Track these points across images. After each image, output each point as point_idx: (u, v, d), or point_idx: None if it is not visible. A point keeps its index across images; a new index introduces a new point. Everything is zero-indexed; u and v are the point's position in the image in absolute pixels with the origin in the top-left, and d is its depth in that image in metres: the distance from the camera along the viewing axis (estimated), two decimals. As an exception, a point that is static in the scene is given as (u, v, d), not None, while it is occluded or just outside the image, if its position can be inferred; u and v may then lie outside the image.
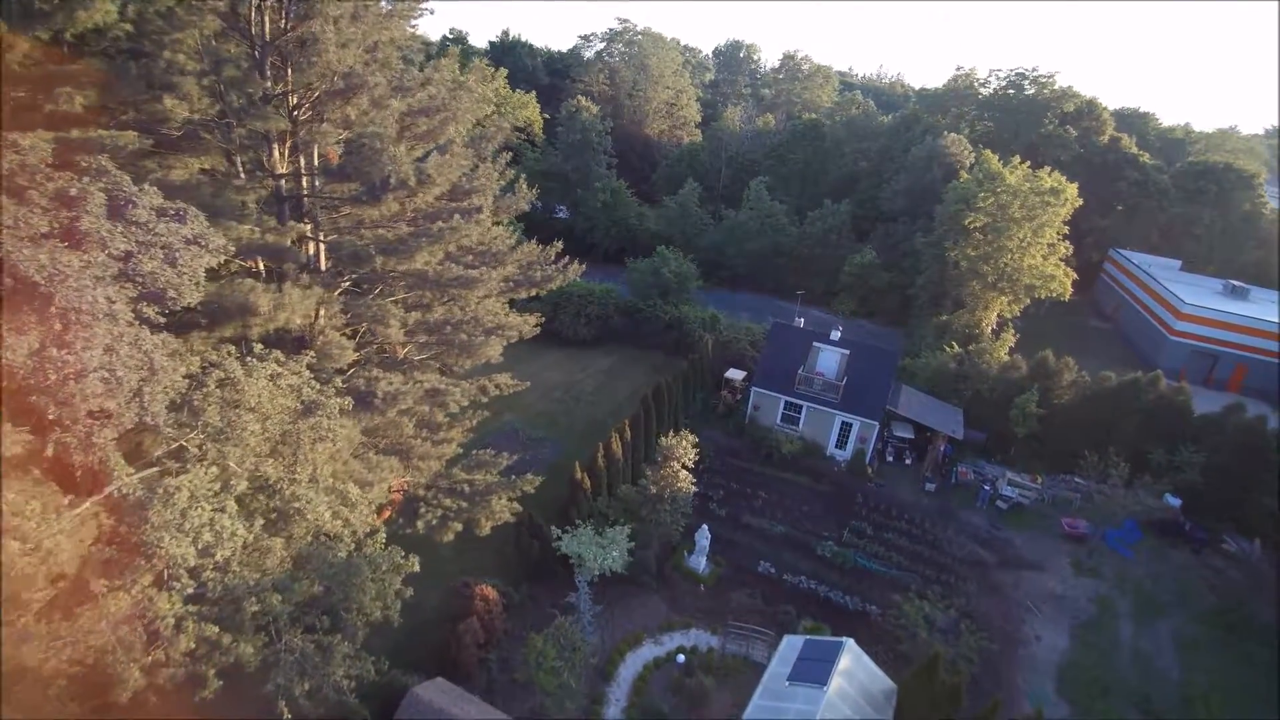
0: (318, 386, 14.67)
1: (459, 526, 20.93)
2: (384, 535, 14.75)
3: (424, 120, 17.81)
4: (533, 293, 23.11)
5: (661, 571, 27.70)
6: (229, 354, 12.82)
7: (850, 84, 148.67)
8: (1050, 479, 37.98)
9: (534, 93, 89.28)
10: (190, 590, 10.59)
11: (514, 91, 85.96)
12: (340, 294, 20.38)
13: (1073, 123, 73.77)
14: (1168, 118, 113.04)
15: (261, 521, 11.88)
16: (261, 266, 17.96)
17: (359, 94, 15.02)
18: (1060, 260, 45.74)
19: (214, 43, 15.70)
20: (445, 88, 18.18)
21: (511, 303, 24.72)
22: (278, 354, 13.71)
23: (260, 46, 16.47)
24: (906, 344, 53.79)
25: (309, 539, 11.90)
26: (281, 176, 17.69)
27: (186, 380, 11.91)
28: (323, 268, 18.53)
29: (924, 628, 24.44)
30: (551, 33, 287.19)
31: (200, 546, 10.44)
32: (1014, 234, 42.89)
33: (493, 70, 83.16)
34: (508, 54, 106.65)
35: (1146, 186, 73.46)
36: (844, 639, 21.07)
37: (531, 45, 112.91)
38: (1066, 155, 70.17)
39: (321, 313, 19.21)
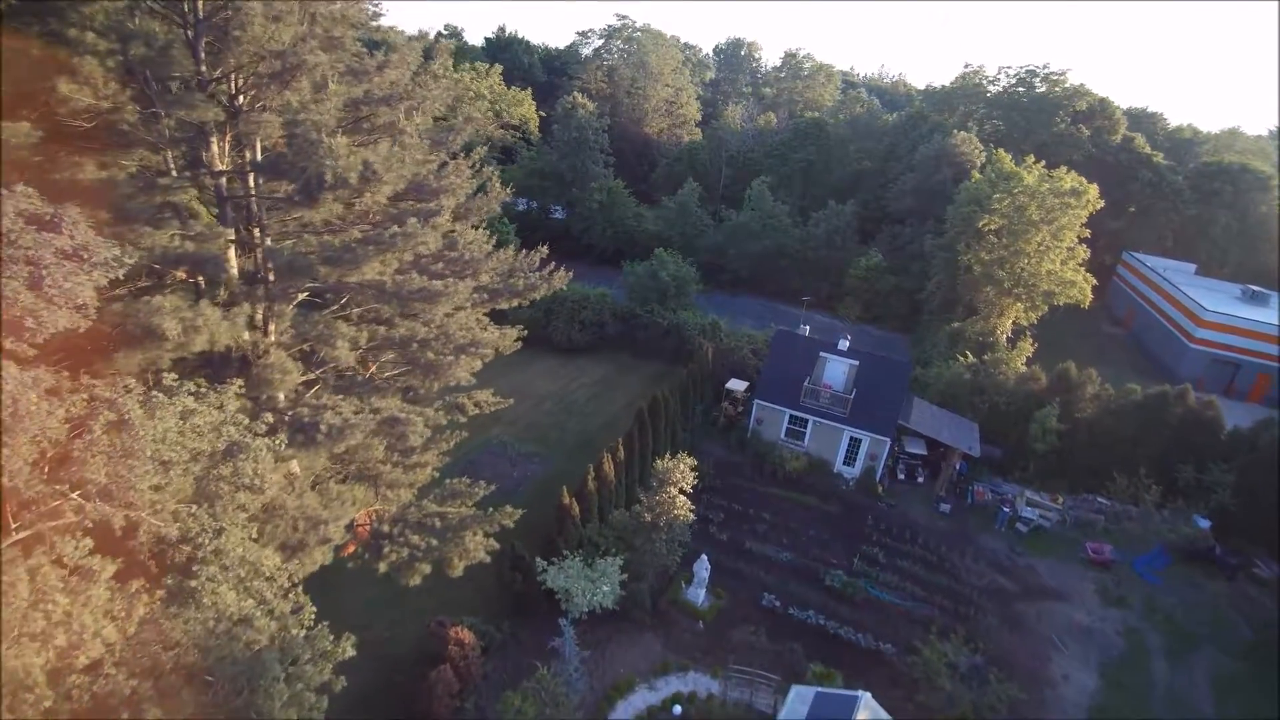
0: (245, 422, 12.38)
1: (427, 568, 18.66)
2: (312, 612, 12.39)
3: (385, 110, 15.53)
4: (514, 303, 20.83)
5: (656, 606, 25.41)
6: (126, 389, 10.56)
7: (852, 83, 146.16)
8: (1071, 499, 35.69)
9: (530, 90, 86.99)
10: (49, 702, 8.30)
11: (509, 88, 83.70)
12: (294, 306, 18.12)
13: (1085, 122, 71.53)
14: (1173, 118, 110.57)
15: (144, 610, 9.61)
16: (203, 281, 15.70)
17: (298, 77, 12.75)
18: (1080, 265, 43.41)
19: (130, 18, 13.41)
20: (408, 73, 15.90)
21: (493, 312, 22.42)
22: (193, 385, 11.45)
23: (194, 24, 14.17)
24: (915, 351, 51.54)
25: (211, 624, 9.66)
26: (222, 174, 15.37)
27: (67, 425, 9.68)
28: (271, 278, 16.23)
29: (945, 674, 22.14)
30: (550, 30, 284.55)
31: (53, 653, 8.19)
32: (1032, 237, 40.60)
33: (487, 66, 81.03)
34: (504, 51, 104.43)
35: (1160, 188, 71.23)
36: (859, 693, 18.80)
37: (528, 42, 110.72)
38: (1079, 155, 67.91)
39: (273, 329, 16.93)
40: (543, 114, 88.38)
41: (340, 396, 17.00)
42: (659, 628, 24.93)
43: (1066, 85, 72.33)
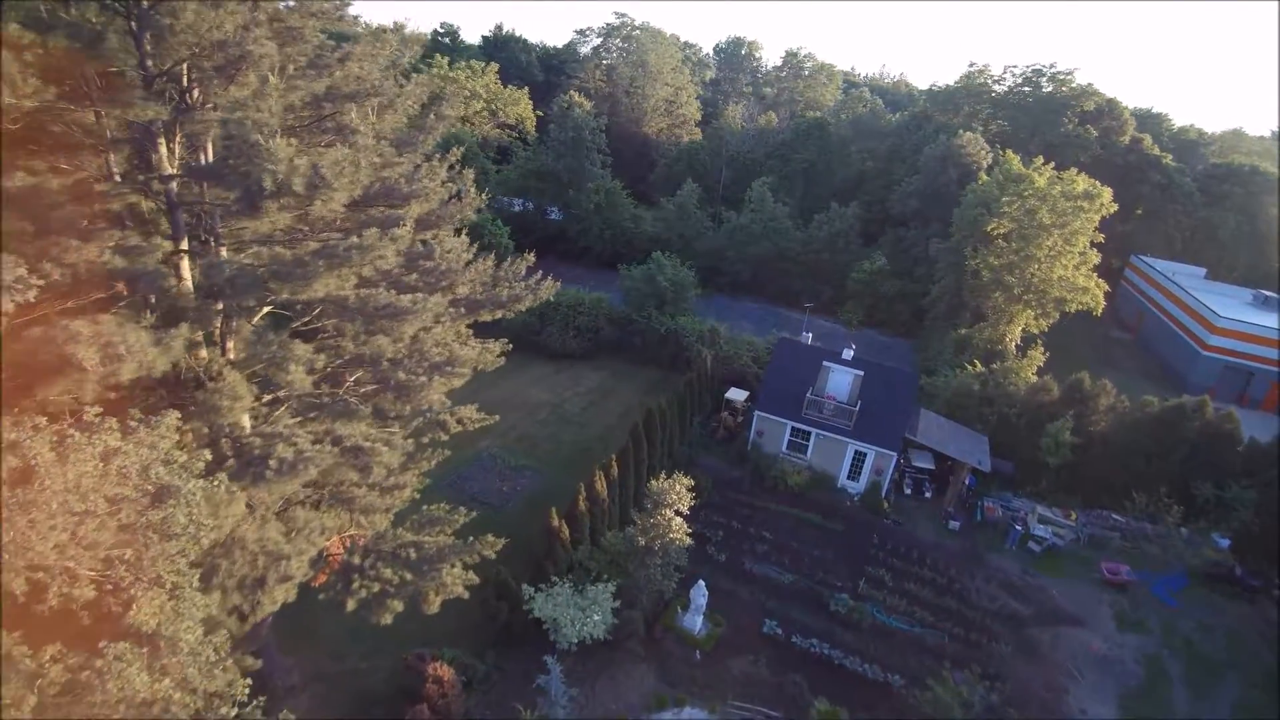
0: (182, 459, 10.95)
1: (399, 606, 17.20)
2: (245, 686, 10.90)
3: (351, 108, 14.09)
4: (498, 315, 19.37)
5: (651, 634, 23.98)
6: (35, 429, 9.14)
7: (854, 83, 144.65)
8: (1084, 515, 34.25)
9: (527, 89, 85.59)
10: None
11: (506, 88, 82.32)
12: (258, 322, 16.68)
13: (1092, 122, 70.07)
14: (1176, 119, 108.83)
15: (34, 701, 8.18)
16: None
17: (243, 70, 11.32)
18: (1092, 270, 41.94)
19: (64, 6, 11.98)
20: (378, 67, 14.45)
21: (476, 323, 20.96)
22: (116, 421, 10.02)
23: (138, 14, 12.72)
24: (920, 357, 50.12)
25: (122, 712, 8.22)
26: (172, 178, 13.92)
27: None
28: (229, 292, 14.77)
29: (959, 713, 20.72)
30: (548, 29, 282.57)
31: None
32: (1043, 242, 39.11)
33: (483, 65, 79.63)
34: (501, 49, 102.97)
35: (1170, 190, 69.86)
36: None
37: (526, 41, 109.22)
38: (1086, 156, 66.46)
39: (230, 347, 15.50)
40: (540, 113, 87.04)
41: (301, 420, 15.57)
42: (653, 658, 23.49)
43: (1074, 85, 70.88)
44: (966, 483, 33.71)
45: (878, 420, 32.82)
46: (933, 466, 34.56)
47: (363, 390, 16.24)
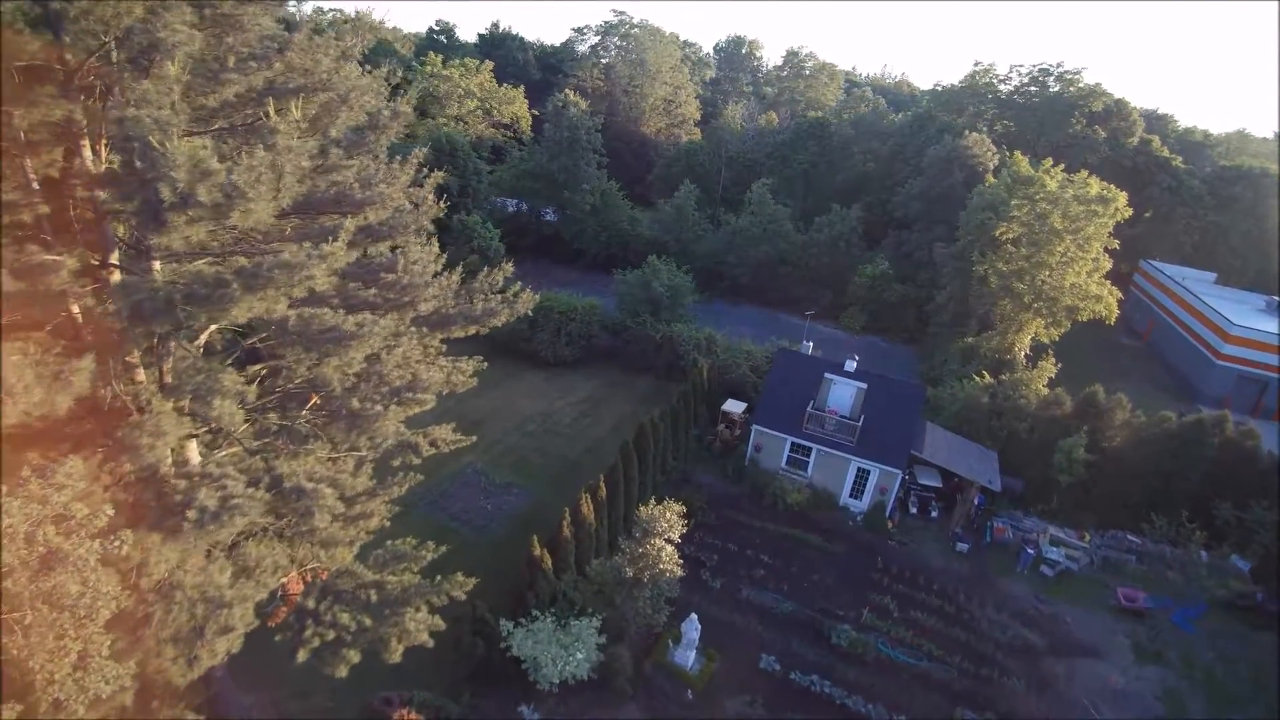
0: (83, 513, 9.37)
1: (356, 656, 15.58)
2: None
3: (269, 105, 12.42)
4: (470, 331, 17.75)
5: (639, 670, 22.36)
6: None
7: (855, 83, 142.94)
8: (1098, 536, 32.63)
9: (522, 88, 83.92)
10: None
11: (501, 86, 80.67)
12: (207, 341, 15.11)
13: (1101, 123, 68.45)
14: (1181, 120, 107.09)
15: None
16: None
17: (156, 61, 9.73)
18: (1104, 278, 40.30)
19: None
20: (328, 59, 12.82)
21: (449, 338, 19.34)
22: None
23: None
24: (924, 366, 48.51)
25: None
26: (95, 184, 12.29)
27: None
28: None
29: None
30: (546, 29, 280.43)
31: None
32: (1054, 248, 37.46)
33: (477, 63, 77.99)
34: (498, 48, 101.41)
35: (1179, 192, 68.25)
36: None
37: (523, 39, 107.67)
38: (1094, 158, 64.89)
39: (167, 370, 13.88)
40: (536, 113, 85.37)
41: (245, 456, 13.96)
42: (642, 698, 21.86)
43: (1081, 85, 69.25)
44: (975, 502, 32.09)
45: (882, 436, 31.21)
46: (940, 484, 32.94)
47: (316, 419, 14.61)
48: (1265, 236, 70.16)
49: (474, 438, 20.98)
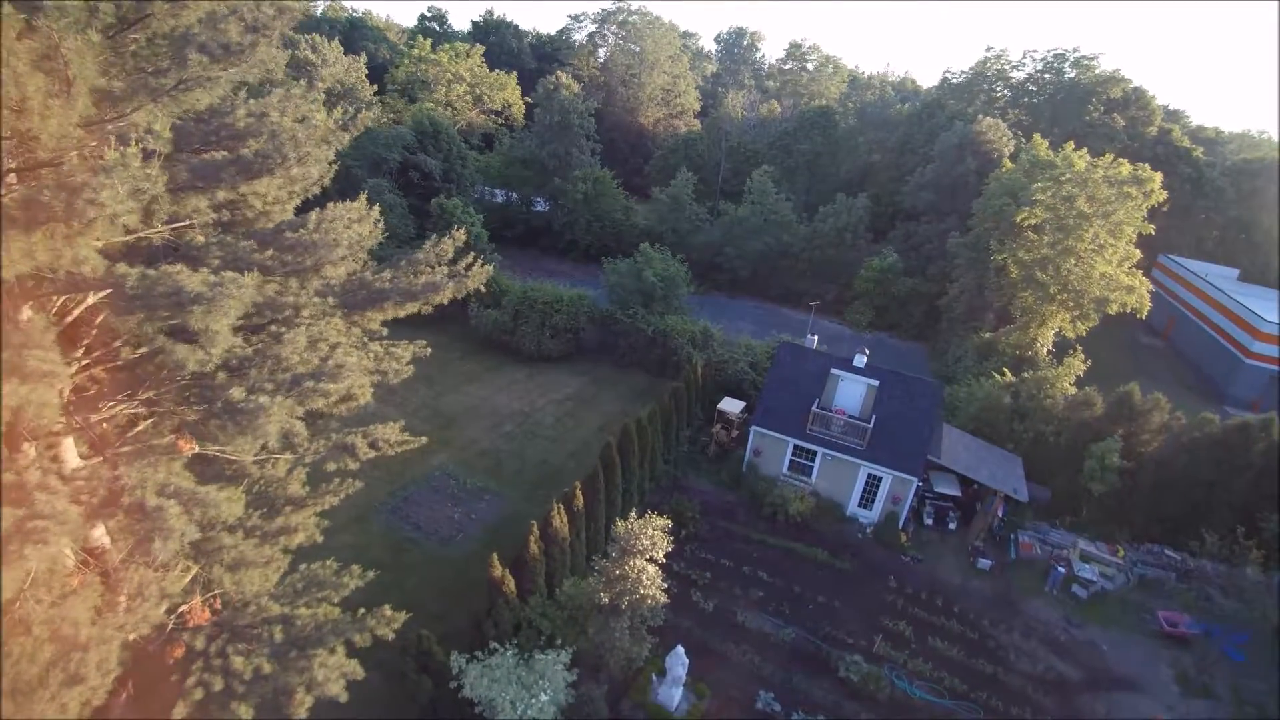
0: None
1: (248, 712, 12.37)
2: None
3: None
4: (409, 309, 14.58)
5: (616, 712, 19.18)
6: None
7: (859, 80, 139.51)
8: (1133, 551, 29.44)
9: (515, 74, 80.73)
10: None
11: (492, 71, 77.47)
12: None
13: (1119, 110, 65.22)
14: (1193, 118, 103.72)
15: None
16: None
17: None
18: (1134, 267, 37.08)
19: None
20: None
21: (397, 320, 16.15)
22: None
23: None
24: (935, 365, 45.34)
25: None
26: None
27: None
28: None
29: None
30: (543, 19, 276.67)
31: None
32: (1084, 233, 34.18)
33: (468, 47, 74.88)
34: (491, 35, 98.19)
35: (1200, 185, 64.98)
36: None
37: (517, 27, 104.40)
38: (1113, 147, 61.53)
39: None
40: (529, 100, 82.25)
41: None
42: (619, 745, 18.69)
43: (1098, 71, 66.01)
44: (999, 513, 28.90)
45: (895, 439, 28.02)
46: (958, 493, 29.74)
47: (192, 413, 11.40)
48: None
49: (424, 439, 17.75)
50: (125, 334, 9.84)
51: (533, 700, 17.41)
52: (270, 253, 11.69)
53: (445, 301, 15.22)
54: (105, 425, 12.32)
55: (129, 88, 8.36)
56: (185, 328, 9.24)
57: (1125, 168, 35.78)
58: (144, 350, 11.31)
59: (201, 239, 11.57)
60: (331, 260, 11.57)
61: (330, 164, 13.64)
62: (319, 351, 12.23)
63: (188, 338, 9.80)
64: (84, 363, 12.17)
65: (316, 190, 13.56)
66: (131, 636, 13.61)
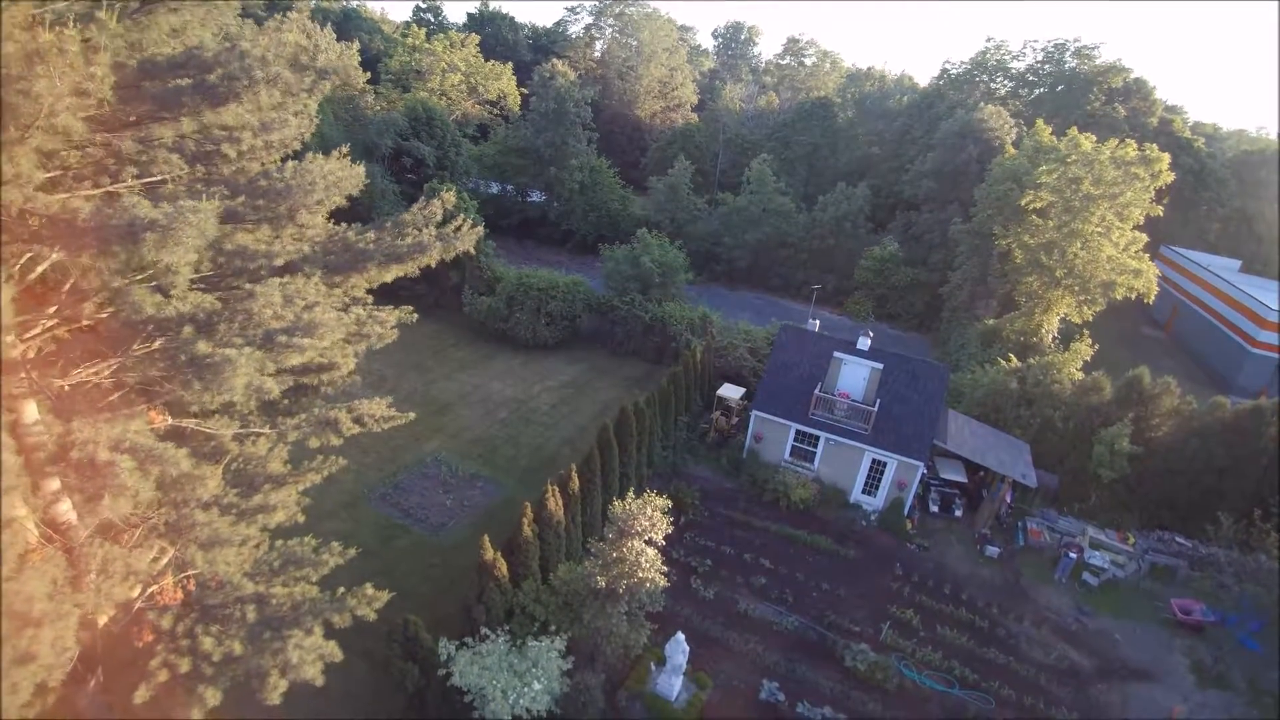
0: None
1: (216, 696, 11.50)
2: None
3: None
4: (393, 272, 13.71)
5: (613, 702, 18.34)
6: None
7: (857, 75, 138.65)
8: (1143, 538, 28.70)
9: (511, 65, 79.76)
10: None
11: (487, 62, 76.46)
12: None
13: (1120, 101, 64.57)
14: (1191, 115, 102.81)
15: None
16: None
17: None
18: (1141, 250, 36.34)
19: None
20: None
21: (385, 290, 15.28)
22: None
23: None
24: (938, 354, 44.59)
25: None
26: None
27: None
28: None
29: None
30: (538, 14, 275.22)
31: None
32: (1091, 214, 33.40)
33: (463, 36, 73.91)
34: (487, 26, 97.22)
35: (1203, 176, 64.35)
36: None
37: (513, 19, 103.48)
38: (1114, 137, 60.95)
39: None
40: (524, 90, 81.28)
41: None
42: (616, 736, 17.84)
43: (1100, 62, 65.37)
44: (1007, 500, 28.12)
45: (901, 423, 27.23)
46: (964, 479, 28.97)
47: (156, 367, 10.50)
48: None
49: (411, 414, 16.92)
50: (90, 291, 8.95)
51: (525, 689, 16.58)
52: (241, 199, 10.83)
53: (433, 263, 14.38)
54: (68, 388, 11.45)
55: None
56: (145, 268, 8.37)
57: (1132, 148, 35.06)
58: (106, 307, 10.48)
59: (172, 189, 10.72)
60: (307, 205, 10.71)
61: (312, 119, 12.82)
62: (294, 307, 11.36)
63: (147, 281, 8.94)
64: (48, 326, 11.36)
65: (296, 145, 12.75)
66: (98, 616, 12.79)
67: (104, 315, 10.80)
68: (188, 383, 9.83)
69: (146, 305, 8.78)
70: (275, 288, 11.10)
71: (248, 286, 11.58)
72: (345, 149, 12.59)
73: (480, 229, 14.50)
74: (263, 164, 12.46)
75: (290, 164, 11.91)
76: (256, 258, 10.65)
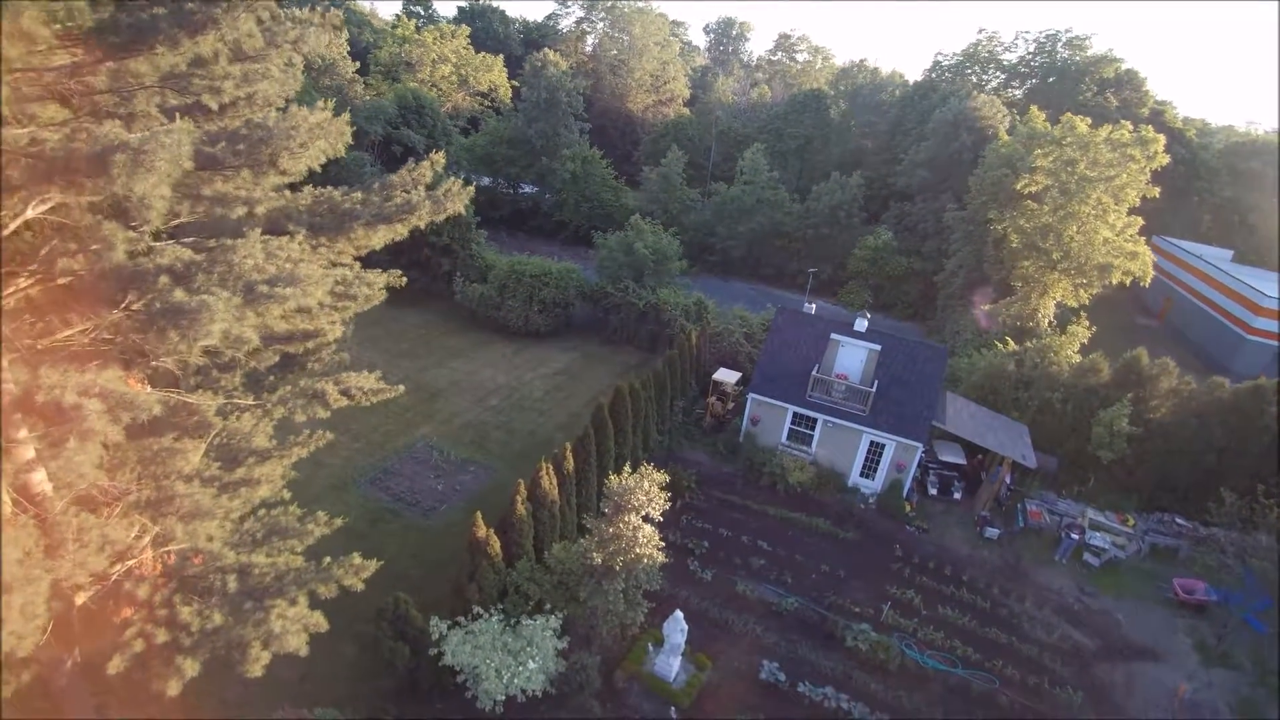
0: None
1: (194, 668, 10.96)
2: None
3: None
4: (381, 234, 13.21)
5: (610, 683, 17.88)
6: None
7: (849, 70, 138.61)
8: (1143, 519, 28.48)
9: (502, 56, 79.19)
10: None
11: (478, 54, 75.90)
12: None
13: (1111, 91, 64.61)
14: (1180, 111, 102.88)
15: None
16: None
17: None
18: (1136, 234, 36.18)
19: None
20: None
21: (373, 258, 14.76)
22: None
23: None
24: (934, 341, 44.30)
25: None
26: None
27: None
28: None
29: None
30: (529, 9, 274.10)
31: None
32: (1088, 196, 33.19)
33: (453, 28, 73.34)
34: (477, 20, 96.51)
35: (1195, 166, 64.46)
36: None
37: (504, 13, 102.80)
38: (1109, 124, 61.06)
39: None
40: (515, 83, 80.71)
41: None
42: (613, 717, 17.36)
43: (1091, 52, 65.42)
44: (1007, 482, 27.83)
45: (899, 404, 26.90)
46: (963, 461, 28.67)
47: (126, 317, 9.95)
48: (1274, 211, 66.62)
49: (400, 387, 16.46)
50: (63, 248, 8.42)
51: (520, 668, 16.13)
52: (221, 145, 10.32)
53: (422, 224, 13.90)
54: (42, 347, 10.91)
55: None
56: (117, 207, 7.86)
57: (1127, 130, 34.92)
58: (78, 255, 9.93)
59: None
60: (289, 149, 10.21)
61: (298, 78, 12.33)
62: (276, 260, 10.86)
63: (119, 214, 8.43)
64: (23, 286, 10.81)
65: (280, 104, 12.27)
66: (75, 594, 12.23)
67: (78, 267, 10.28)
68: (163, 332, 9.29)
69: (118, 241, 8.27)
70: (256, 240, 10.60)
71: (228, 241, 11.10)
72: (330, 102, 12.10)
73: (472, 188, 13.99)
74: (245, 120, 11.98)
75: (273, 113, 11.41)
76: (236, 204, 10.16)
